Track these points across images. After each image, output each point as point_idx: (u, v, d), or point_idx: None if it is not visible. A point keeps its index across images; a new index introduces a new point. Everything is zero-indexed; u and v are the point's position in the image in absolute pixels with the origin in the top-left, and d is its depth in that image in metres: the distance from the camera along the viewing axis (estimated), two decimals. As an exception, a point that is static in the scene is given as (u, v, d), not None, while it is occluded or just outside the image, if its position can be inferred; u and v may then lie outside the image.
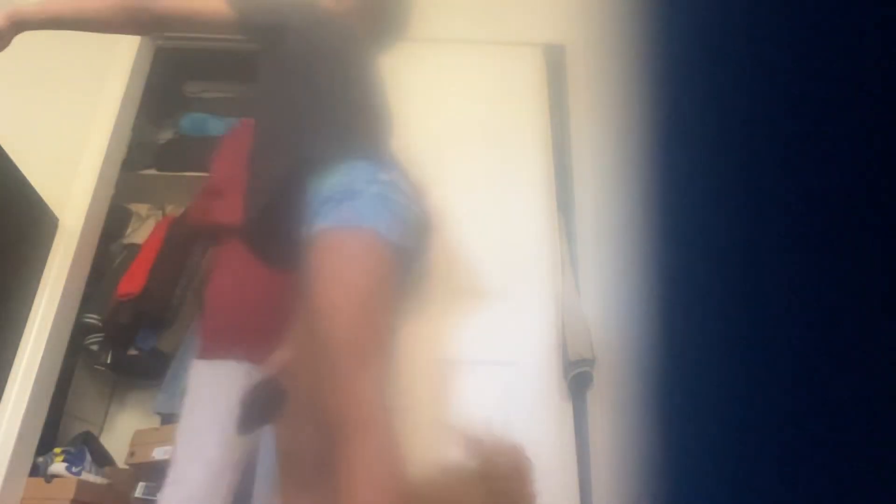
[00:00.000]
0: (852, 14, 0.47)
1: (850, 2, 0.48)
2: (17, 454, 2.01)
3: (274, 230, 1.43)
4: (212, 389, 1.70)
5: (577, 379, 2.10)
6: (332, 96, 1.45)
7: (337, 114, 1.42)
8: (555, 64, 2.64)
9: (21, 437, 2.03)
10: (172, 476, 1.66)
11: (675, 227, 0.71)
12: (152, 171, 3.02)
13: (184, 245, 2.46)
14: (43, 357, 2.12)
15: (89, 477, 2.27)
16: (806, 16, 0.51)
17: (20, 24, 1.46)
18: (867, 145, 0.46)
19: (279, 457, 1.49)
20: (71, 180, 2.36)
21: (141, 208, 3.09)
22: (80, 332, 2.29)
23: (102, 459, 2.46)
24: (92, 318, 2.41)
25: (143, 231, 2.96)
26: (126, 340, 2.56)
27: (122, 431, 2.70)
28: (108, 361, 2.58)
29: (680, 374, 0.69)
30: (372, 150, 1.41)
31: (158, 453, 2.22)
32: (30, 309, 2.17)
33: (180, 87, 3.17)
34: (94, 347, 2.57)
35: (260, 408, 1.43)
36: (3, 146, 2.02)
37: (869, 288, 0.46)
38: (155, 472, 2.15)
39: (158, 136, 3.22)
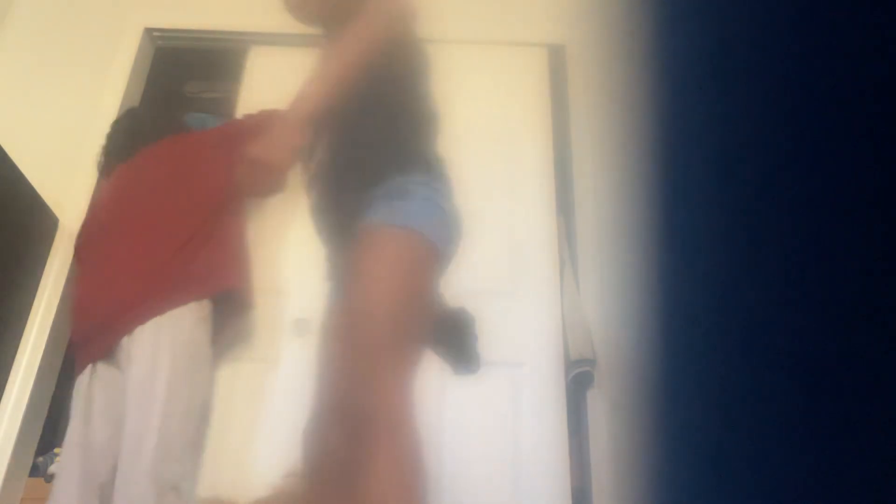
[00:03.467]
0: (852, 14, 0.47)
1: (850, 2, 0.48)
2: (17, 454, 2.01)
3: (336, 222, 1.48)
4: (75, 397, 1.81)
5: (578, 379, 2.10)
6: (396, 109, 1.47)
7: (399, 126, 1.46)
8: (555, 64, 2.64)
9: (21, 437, 2.03)
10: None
11: (674, 228, 0.71)
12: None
13: None
14: (43, 357, 2.13)
15: (89, 477, 2.27)
16: (805, 16, 0.51)
17: (307, 125, 1.48)
18: (868, 145, 0.46)
19: (306, 457, 1.49)
20: (71, 180, 2.36)
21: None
22: (80, 332, 2.29)
23: (102, 459, 2.46)
24: (92, 318, 2.41)
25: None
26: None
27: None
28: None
29: (679, 374, 0.69)
30: (425, 159, 1.44)
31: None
32: (30, 309, 2.17)
33: (180, 87, 3.17)
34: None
35: None
36: (4, 146, 2.02)
37: (870, 289, 0.46)
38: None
39: (158, 136, 3.22)
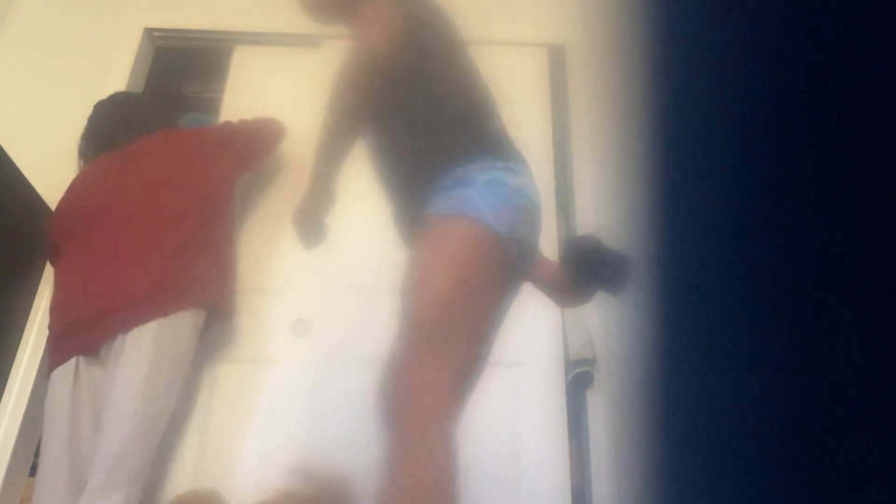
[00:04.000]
0: (852, 14, 0.47)
1: (850, 3, 0.48)
2: (16, 454, 2.01)
3: (403, 218, 1.44)
4: (61, 390, 1.77)
5: (578, 379, 2.10)
6: (446, 99, 1.42)
7: (453, 114, 1.40)
8: (555, 64, 2.64)
9: (21, 437, 2.03)
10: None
11: (674, 228, 0.71)
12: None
13: None
14: (43, 357, 2.12)
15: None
16: (807, 16, 0.51)
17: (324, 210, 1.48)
18: (872, 144, 0.46)
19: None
20: (71, 180, 2.36)
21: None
22: (80, 332, 2.29)
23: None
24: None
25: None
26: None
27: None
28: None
29: (679, 374, 0.69)
30: (487, 141, 1.37)
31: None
32: (30, 308, 2.17)
33: (180, 86, 3.17)
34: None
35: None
36: (3, 146, 2.02)
37: (871, 291, 0.46)
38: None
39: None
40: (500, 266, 1.24)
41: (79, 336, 1.79)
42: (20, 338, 2.13)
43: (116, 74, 2.56)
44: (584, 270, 1.42)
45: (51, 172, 2.27)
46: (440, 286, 1.21)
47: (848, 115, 0.47)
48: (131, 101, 2.27)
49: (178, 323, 1.78)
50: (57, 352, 1.83)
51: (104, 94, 2.52)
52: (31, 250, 2.20)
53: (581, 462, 2.06)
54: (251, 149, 2.17)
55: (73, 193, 2.08)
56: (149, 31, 2.68)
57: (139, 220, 1.89)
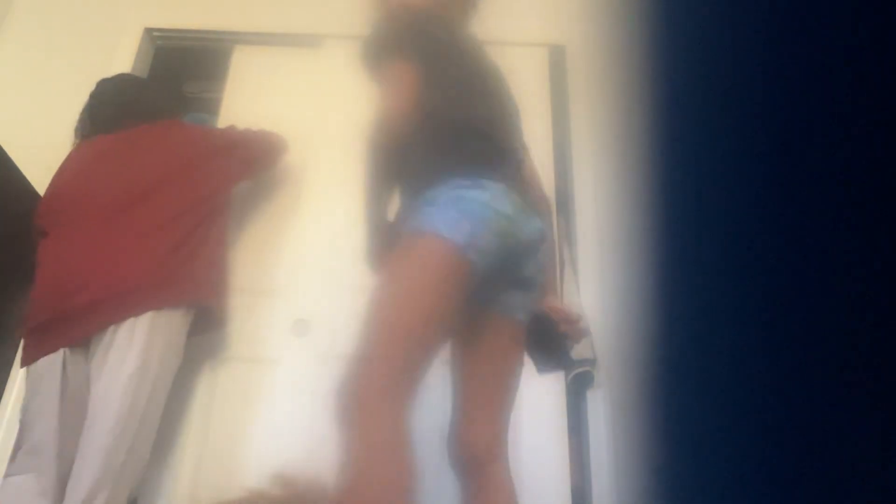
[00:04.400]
0: (854, 14, 0.47)
1: (851, 3, 0.48)
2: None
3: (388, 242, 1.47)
4: (47, 381, 1.72)
5: (578, 379, 2.11)
6: (434, 118, 1.44)
7: (437, 136, 1.43)
8: (555, 64, 2.64)
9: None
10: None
11: (674, 228, 0.71)
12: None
13: None
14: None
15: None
16: (806, 17, 0.51)
17: None
18: (871, 145, 0.46)
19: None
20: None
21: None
22: (80, 331, 2.28)
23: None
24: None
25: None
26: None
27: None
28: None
29: (679, 374, 0.69)
30: (460, 164, 1.39)
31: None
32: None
33: (180, 86, 3.17)
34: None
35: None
36: (4, 146, 2.02)
37: (870, 289, 0.46)
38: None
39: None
40: (457, 273, 1.28)
41: (68, 326, 1.73)
42: (20, 338, 2.13)
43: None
44: (537, 350, 1.52)
45: (51, 172, 2.26)
46: (395, 294, 1.27)
47: (849, 115, 0.47)
48: (139, 85, 2.23)
49: (170, 318, 1.75)
50: (41, 342, 1.76)
51: (104, 94, 2.52)
52: (32, 250, 2.20)
53: (581, 462, 2.06)
54: (253, 158, 2.15)
55: (66, 174, 2.00)
56: (149, 31, 2.68)
57: (139, 211, 1.84)
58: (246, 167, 2.13)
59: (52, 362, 1.72)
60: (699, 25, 0.63)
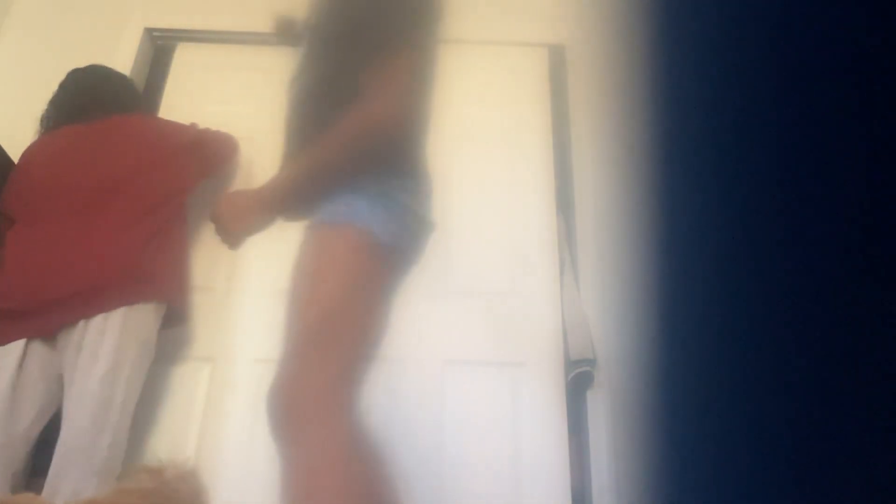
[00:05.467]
0: (853, 14, 0.47)
1: (852, 4, 0.48)
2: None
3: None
4: (2, 375, 1.68)
5: (578, 379, 2.11)
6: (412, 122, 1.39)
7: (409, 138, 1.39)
8: (555, 64, 2.64)
9: (21, 437, 2.02)
10: None
11: (674, 228, 0.71)
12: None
13: None
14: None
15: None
16: (807, 16, 0.51)
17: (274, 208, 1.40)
18: (872, 146, 0.46)
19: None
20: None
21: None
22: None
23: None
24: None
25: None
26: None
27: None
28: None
29: (679, 374, 0.69)
30: (390, 162, 1.36)
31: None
32: (30, 309, 2.16)
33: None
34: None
35: None
36: (4, 146, 2.02)
37: (869, 290, 0.46)
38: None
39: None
40: (383, 271, 1.28)
41: (35, 317, 1.70)
42: (20, 338, 2.13)
43: (116, 74, 2.56)
44: None
45: (51, 172, 2.26)
46: (325, 292, 1.23)
47: (850, 116, 0.47)
48: (111, 76, 2.20)
49: (142, 314, 1.74)
50: (3, 329, 1.72)
51: (104, 94, 2.52)
52: None
53: (581, 462, 2.06)
54: (217, 155, 2.14)
55: (34, 163, 1.96)
56: (149, 31, 2.68)
57: (112, 204, 1.81)
58: (210, 164, 2.11)
59: (9, 352, 1.68)
60: (700, 25, 0.63)
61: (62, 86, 2.10)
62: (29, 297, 1.72)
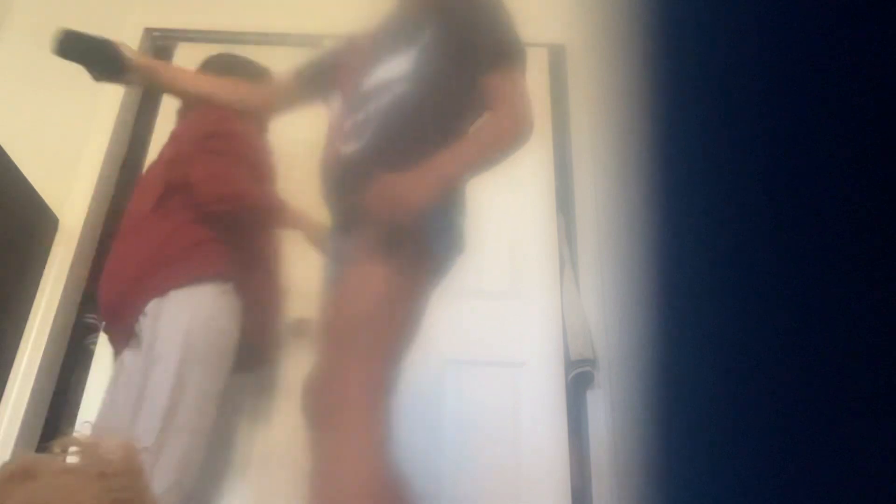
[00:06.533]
0: (853, 14, 0.47)
1: (854, 4, 0.48)
2: (17, 454, 2.01)
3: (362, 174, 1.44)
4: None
5: (578, 379, 2.11)
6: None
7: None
8: (555, 64, 2.64)
9: (21, 437, 2.03)
10: None
11: (675, 228, 0.71)
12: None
13: None
14: (43, 356, 2.13)
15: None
16: (808, 16, 0.51)
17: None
18: (872, 146, 0.46)
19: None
20: (71, 180, 2.36)
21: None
22: (80, 331, 2.29)
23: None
24: (92, 318, 2.41)
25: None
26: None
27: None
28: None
29: (680, 375, 0.69)
30: None
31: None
32: (30, 309, 2.17)
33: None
34: (94, 347, 2.57)
35: None
36: (4, 146, 2.02)
37: (873, 287, 0.46)
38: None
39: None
40: (421, 280, 1.33)
41: (113, 327, 1.75)
42: (20, 338, 2.13)
43: (116, 74, 2.56)
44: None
45: (50, 172, 2.27)
46: (366, 296, 1.28)
47: (851, 116, 0.47)
48: (232, 65, 2.17)
49: (196, 293, 1.68)
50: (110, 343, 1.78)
51: (104, 94, 2.52)
52: (32, 250, 2.20)
53: (581, 462, 2.06)
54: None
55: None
56: (149, 31, 2.68)
57: (163, 197, 1.81)
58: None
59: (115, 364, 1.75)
60: (700, 25, 0.63)
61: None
62: (105, 309, 1.77)
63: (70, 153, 2.40)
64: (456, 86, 1.42)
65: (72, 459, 1.09)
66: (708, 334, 0.62)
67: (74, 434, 1.15)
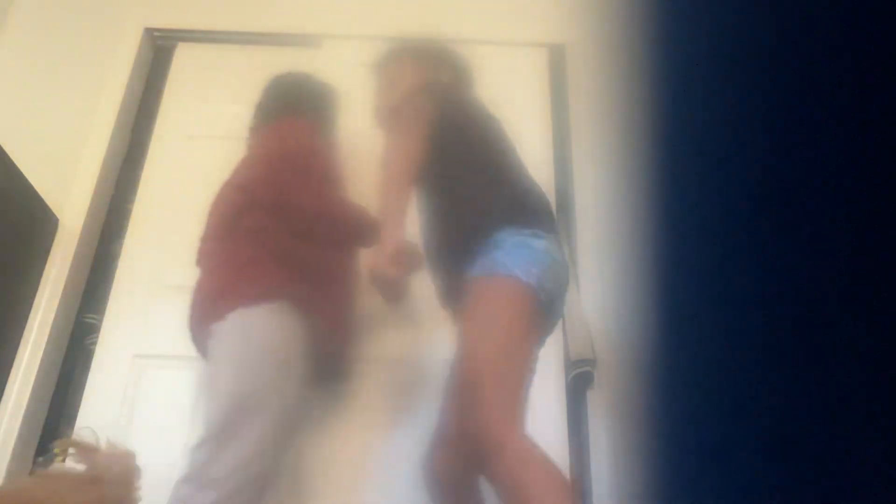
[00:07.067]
0: (853, 15, 0.47)
1: (853, 5, 0.48)
2: (16, 454, 2.01)
3: (446, 281, 1.67)
4: None
5: (578, 379, 2.10)
6: (477, 181, 1.64)
7: (491, 191, 1.62)
8: (555, 64, 2.64)
9: (21, 437, 2.03)
10: None
11: (674, 228, 0.71)
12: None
13: None
14: (43, 357, 2.12)
15: (89, 477, 2.26)
16: (806, 17, 0.51)
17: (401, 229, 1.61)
18: (869, 144, 0.46)
19: (427, 483, 1.64)
20: (71, 180, 2.36)
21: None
22: (80, 332, 2.29)
23: (102, 459, 2.45)
24: (92, 318, 2.41)
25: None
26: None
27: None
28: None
29: (679, 374, 0.69)
30: (516, 214, 1.58)
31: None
32: (30, 309, 2.17)
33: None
34: (94, 347, 2.57)
35: None
36: (4, 146, 2.02)
37: (871, 286, 0.46)
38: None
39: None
40: (535, 311, 1.46)
41: (196, 343, 1.78)
42: (20, 338, 2.13)
43: (116, 74, 2.56)
44: None
45: (50, 172, 2.27)
46: (494, 341, 1.43)
47: (849, 117, 0.47)
48: (298, 84, 2.17)
49: (254, 315, 1.67)
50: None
51: (104, 94, 2.53)
52: (32, 250, 2.20)
53: (581, 462, 2.06)
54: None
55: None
56: (149, 31, 2.68)
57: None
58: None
59: None
60: (699, 25, 0.63)
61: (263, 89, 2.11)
62: (191, 326, 1.78)
63: (70, 153, 2.40)
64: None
65: (71, 461, 1.08)
66: (706, 335, 0.62)
67: (74, 437, 1.15)
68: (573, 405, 2.13)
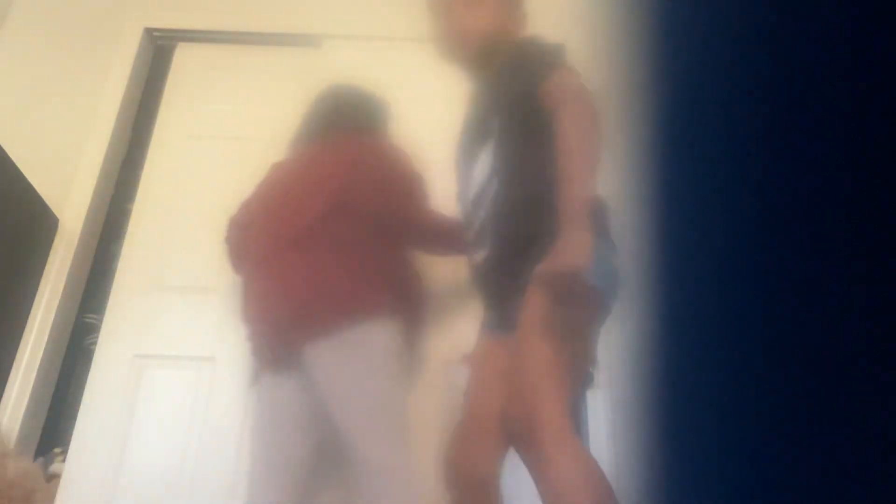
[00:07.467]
0: (852, 15, 0.47)
1: (854, 5, 0.48)
2: (16, 454, 2.01)
3: (504, 283, 1.56)
4: None
5: (578, 379, 2.10)
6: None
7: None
8: (555, 64, 2.64)
9: (21, 437, 2.03)
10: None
11: (674, 227, 0.71)
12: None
13: None
14: (43, 357, 2.12)
15: (89, 477, 2.26)
16: (807, 17, 0.51)
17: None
18: (870, 145, 0.46)
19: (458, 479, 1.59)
20: (71, 180, 2.36)
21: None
22: (79, 332, 2.29)
23: (102, 459, 2.45)
24: (92, 318, 2.41)
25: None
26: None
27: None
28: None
29: (680, 374, 0.69)
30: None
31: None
32: (30, 309, 2.17)
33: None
34: (94, 347, 2.57)
35: None
36: (4, 146, 2.03)
37: (872, 286, 0.46)
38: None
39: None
40: (594, 309, 1.48)
41: (268, 349, 1.73)
42: (20, 338, 2.13)
43: (116, 74, 2.56)
44: None
45: (50, 172, 2.27)
46: (550, 333, 1.41)
47: (849, 117, 0.47)
48: (348, 97, 2.07)
49: (366, 333, 1.67)
50: (257, 363, 1.76)
51: (104, 94, 2.53)
52: (32, 250, 2.20)
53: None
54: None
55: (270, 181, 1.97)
56: (149, 31, 2.68)
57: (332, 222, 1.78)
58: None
59: (262, 384, 1.75)
60: (700, 25, 0.63)
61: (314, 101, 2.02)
62: (261, 330, 1.74)
63: (70, 153, 2.40)
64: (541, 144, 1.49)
65: None
66: (707, 334, 0.62)
67: None
68: (573, 405, 2.13)
